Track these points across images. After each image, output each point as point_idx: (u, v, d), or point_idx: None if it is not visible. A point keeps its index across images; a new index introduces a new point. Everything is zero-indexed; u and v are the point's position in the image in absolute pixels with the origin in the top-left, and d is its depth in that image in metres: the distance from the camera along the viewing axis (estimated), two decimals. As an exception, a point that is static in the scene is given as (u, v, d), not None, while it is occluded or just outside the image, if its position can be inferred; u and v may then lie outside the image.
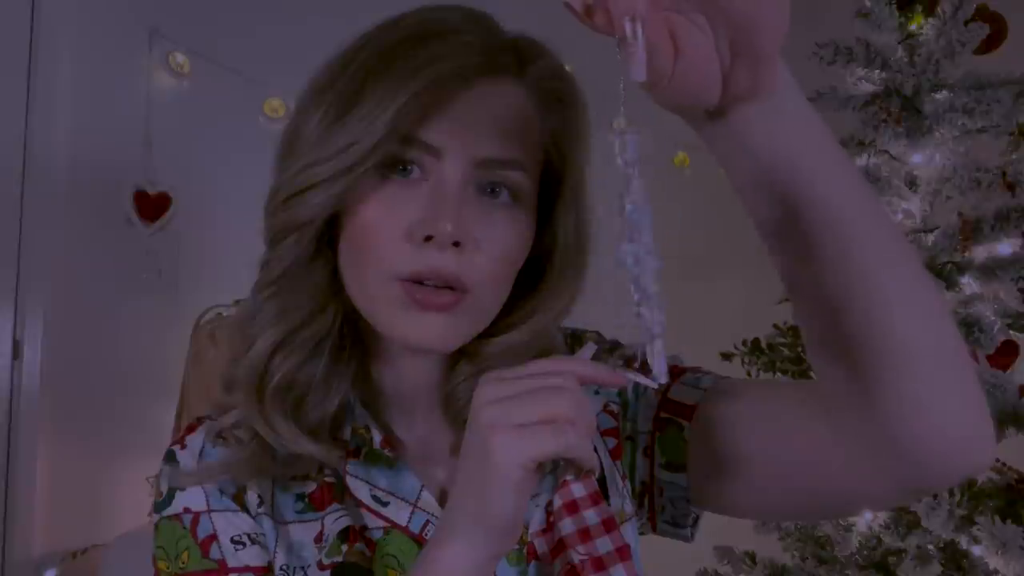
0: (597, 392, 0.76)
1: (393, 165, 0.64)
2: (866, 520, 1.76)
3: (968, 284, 1.73)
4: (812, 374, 0.60)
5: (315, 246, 0.67)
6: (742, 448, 0.65)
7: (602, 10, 0.43)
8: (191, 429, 0.72)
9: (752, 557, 1.89)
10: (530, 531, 0.70)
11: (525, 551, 0.69)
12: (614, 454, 0.74)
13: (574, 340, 0.78)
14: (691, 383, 0.72)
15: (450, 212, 0.61)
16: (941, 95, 1.76)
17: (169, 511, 0.68)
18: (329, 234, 0.67)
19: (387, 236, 0.63)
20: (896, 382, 0.52)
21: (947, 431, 0.53)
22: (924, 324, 0.52)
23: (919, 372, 0.52)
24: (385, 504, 0.69)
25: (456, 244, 0.62)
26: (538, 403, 0.51)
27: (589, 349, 0.59)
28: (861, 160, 1.82)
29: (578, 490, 0.70)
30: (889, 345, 0.52)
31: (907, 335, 0.52)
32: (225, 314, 1.98)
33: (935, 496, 1.58)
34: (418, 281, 0.63)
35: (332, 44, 0.67)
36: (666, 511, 0.73)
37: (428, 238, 0.62)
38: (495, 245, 0.64)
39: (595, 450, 0.71)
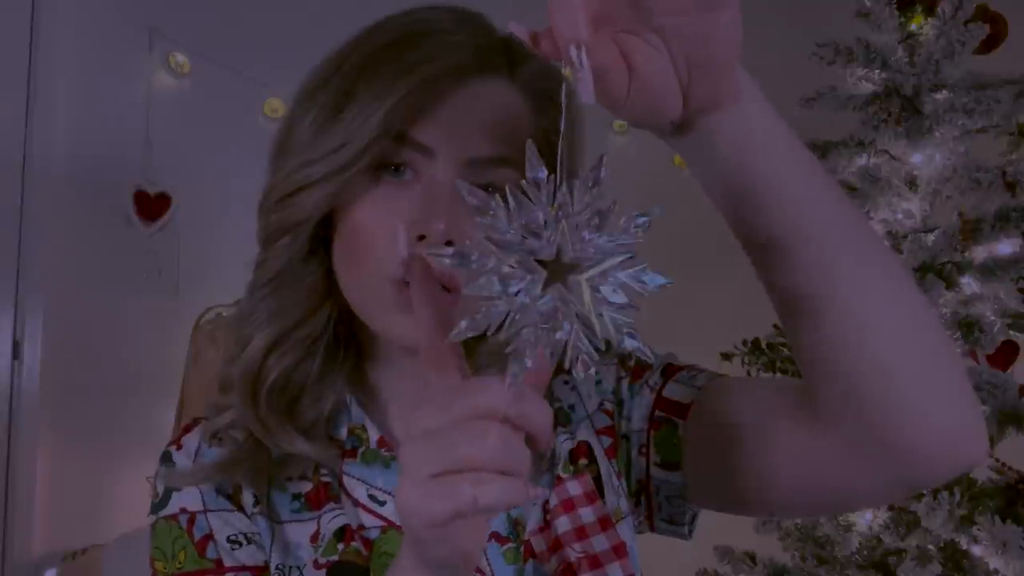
0: (591, 392, 0.76)
1: (385, 165, 0.64)
2: (866, 520, 1.76)
3: (968, 284, 1.73)
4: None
5: (309, 246, 0.67)
6: (737, 447, 0.65)
7: (548, 38, 0.44)
8: (187, 430, 0.73)
9: (752, 557, 1.89)
10: (527, 530, 0.70)
11: (522, 549, 0.69)
12: (609, 452, 0.74)
13: None
14: (686, 381, 0.72)
15: (442, 211, 0.61)
16: (941, 95, 1.76)
17: (165, 512, 0.68)
18: (323, 234, 0.67)
19: (380, 236, 0.63)
20: (880, 387, 0.52)
21: (936, 431, 0.53)
22: (906, 329, 0.52)
23: (903, 377, 0.52)
24: (382, 503, 0.69)
25: (449, 243, 0.62)
26: (455, 450, 0.44)
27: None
28: (861, 160, 1.82)
29: (574, 488, 0.70)
30: (871, 350, 0.51)
31: (889, 341, 0.51)
32: (225, 314, 1.98)
33: (935, 496, 1.58)
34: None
35: (332, 44, 0.67)
36: (663, 509, 0.73)
37: (421, 238, 0.62)
38: None
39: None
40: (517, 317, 0.43)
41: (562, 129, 0.44)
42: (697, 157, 0.51)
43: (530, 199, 0.42)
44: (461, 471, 0.43)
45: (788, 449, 0.61)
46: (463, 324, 0.44)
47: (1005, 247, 1.74)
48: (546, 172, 0.42)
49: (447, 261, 0.42)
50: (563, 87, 0.44)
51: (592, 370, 0.44)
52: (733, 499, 0.68)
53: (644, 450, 0.73)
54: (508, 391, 0.44)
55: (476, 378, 0.47)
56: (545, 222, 0.42)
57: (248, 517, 0.68)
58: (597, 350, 0.43)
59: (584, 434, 0.74)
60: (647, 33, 0.45)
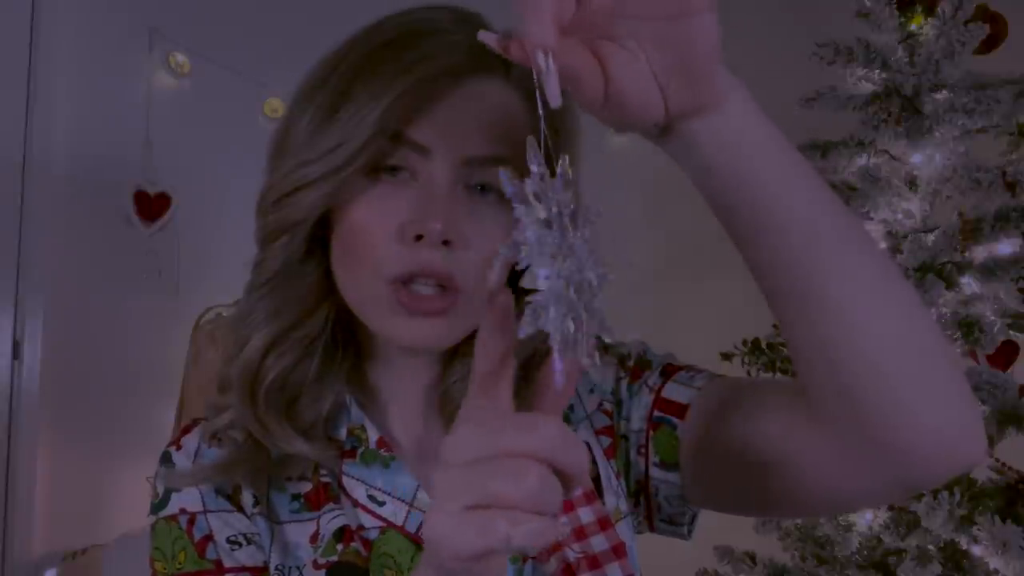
0: (592, 390, 0.76)
1: (382, 165, 0.64)
2: (866, 520, 1.76)
3: (968, 284, 1.73)
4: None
5: (307, 246, 0.67)
6: (734, 447, 0.65)
7: (517, 44, 0.44)
8: (187, 430, 0.73)
9: (752, 557, 1.89)
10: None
11: (521, 550, 0.69)
12: (608, 453, 0.74)
13: None
14: (685, 382, 0.72)
15: (439, 211, 0.61)
16: (941, 95, 1.76)
17: (165, 512, 0.68)
18: (321, 234, 0.67)
19: (377, 236, 0.63)
20: (874, 387, 0.52)
21: (932, 432, 0.52)
22: (899, 329, 0.52)
23: (897, 377, 0.51)
24: (381, 504, 0.69)
25: (446, 243, 0.62)
26: (494, 485, 0.42)
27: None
28: (861, 160, 1.82)
29: (573, 489, 0.70)
30: (863, 351, 0.51)
31: (881, 341, 0.51)
32: (225, 314, 1.98)
33: (935, 496, 1.58)
34: (410, 280, 0.63)
35: (332, 44, 0.68)
36: (662, 510, 0.73)
37: (418, 237, 0.62)
38: (485, 243, 0.64)
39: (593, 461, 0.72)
40: (554, 308, 0.43)
41: (542, 129, 0.44)
42: (684, 159, 0.51)
43: (536, 197, 0.43)
44: (494, 506, 0.42)
45: (785, 451, 0.61)
46: (527, 317, 0.44)
47: (1005, 247, 1.74)
48: (547, 170, 0.43)
49: (508, 255, 0.43)
50: (537, 92, 0.44)
51: (597, 358, 0.44)
52: (731, 500, 0.67)
53: (643, 450, 0.73)
54: (555, 433, 0.44)
55: (525, 414, 0.46)
56: (550, 218, 0.43)
57: (248, 517, 0.68)
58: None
59: (583, 434, 0.74)
60: (625, 39, 0.45)
